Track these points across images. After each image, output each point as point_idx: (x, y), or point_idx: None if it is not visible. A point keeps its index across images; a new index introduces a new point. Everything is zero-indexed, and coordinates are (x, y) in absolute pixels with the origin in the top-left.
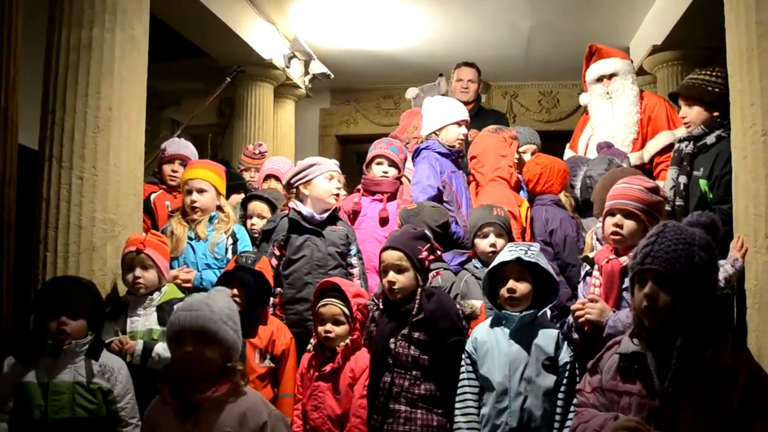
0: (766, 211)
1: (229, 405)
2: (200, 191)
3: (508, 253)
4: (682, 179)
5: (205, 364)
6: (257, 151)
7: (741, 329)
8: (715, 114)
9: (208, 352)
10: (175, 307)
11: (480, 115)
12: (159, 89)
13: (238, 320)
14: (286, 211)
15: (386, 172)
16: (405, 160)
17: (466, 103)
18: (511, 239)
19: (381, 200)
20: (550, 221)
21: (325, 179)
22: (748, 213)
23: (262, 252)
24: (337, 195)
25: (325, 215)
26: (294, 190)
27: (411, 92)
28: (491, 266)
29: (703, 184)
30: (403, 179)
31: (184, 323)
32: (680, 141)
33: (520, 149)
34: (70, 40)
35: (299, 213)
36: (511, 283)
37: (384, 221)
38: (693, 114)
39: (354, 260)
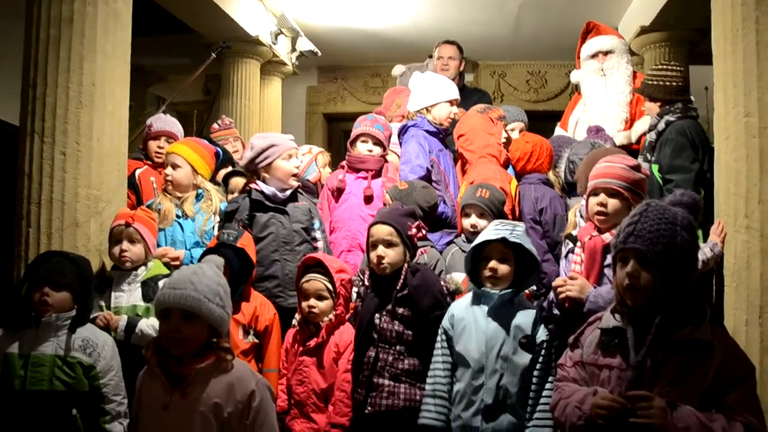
0: (747, 191)
1: (216, 376)
2: (174, 166)
3: (493, 231)
4: (645, 166)
5: (190, 340)
6: (227, 122)
7: (719, 307)
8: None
9: (193, 330)
10: (161, 282)
11: (463, 94)
12: (145, 65)
13: (225, 294)
14: (247, 191)
15: (371, 151)
16: (390, 137)
17: None
18: (499, 217)
19: (365, 178)
20: (540, 200)
21: (284, 160)
22: (729, 193)
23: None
24: (297, 175)
25: (288, 193)
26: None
27: (398, 69)
28: (474, 244)
29: (654, 168)
30: (388, 156)
31: (168, 301)
32: (648, 132)
33: (508, 127)
34: (51, 14)
35: (261, 193)
36: (493, 263)
37: (369, 199)
38: (652, 107)
39: (318, 234)
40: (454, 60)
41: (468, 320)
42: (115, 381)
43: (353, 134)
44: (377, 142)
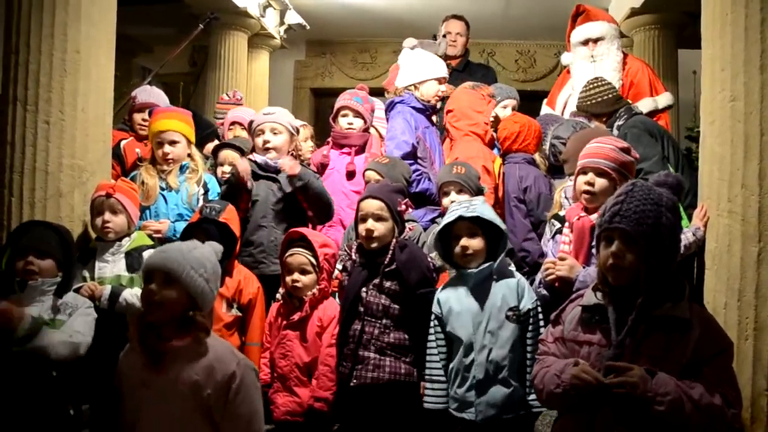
0: (730, 175)
1: (196, 356)
2: (172, 143)
3: (450, 214)
4: None
5: (167, 306)
6: (238, 96)
7: (699, 290)
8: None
9: (171, 294)
10: (145, 253)
11: (468, 70)
12: (130, 35)
13: (213, 272)
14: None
15: (351, 123)
16: (372, 110)
17: (454, 57)
18: (477, 192)
19: (349, 153)
20: (524, 179)
21: (256, 137)
22: (713, 177)
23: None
24: (266, 149)
25: (279, 162)
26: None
27: (409, 42)
28: (438, 229)
29: None
30: (372, 131)
31: (152, 263)
32: None
33: (501, 104)
34: None
35: (255, 162)
36: (464, 241)
37: (351, 175)
38: (599, 125)
39: None
40: (461, 36)
41: (453, 301)
42: (76, 320)
43: (335, 109)
44: (357, 115)
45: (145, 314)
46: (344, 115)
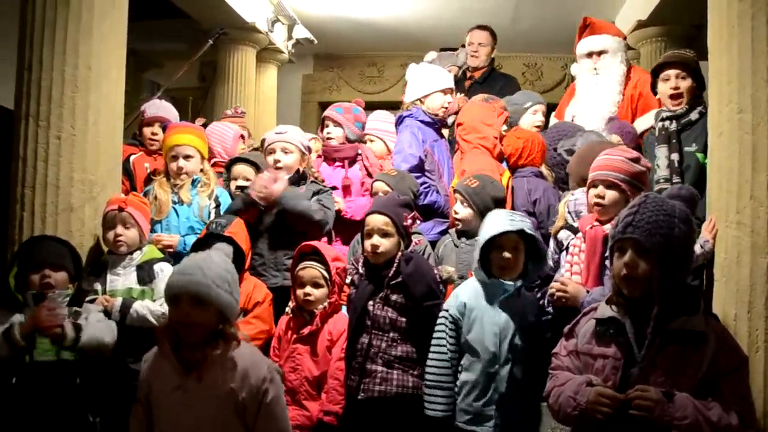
0: (738, 187)
1: (229, 362)
2: (186, 157)
3: (509, 222)
4: (675, 156)
5: (200, 326)
6: (239, 111)
7: (708, 302)
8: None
9: (203, 315)
10: (156, 266)
11: (488, 80)
12: (140, 50)
13: (234, 281)
14: None
15: (330, 133)
16: (356, 121)
17: (476, 69)
18: (481, 209)
19: (342, 166)
20: (533, 191)
21: (268, 156)
22: (721, 189)
23: None
24: (277, 168)
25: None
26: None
27: (430, 56)
28: (491, 234)
29: (701, 157)
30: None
31: (178, 287)
32: (663, 119)
33: (531, 110)
34: None
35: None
36: (508, 254)
37: (347, 189)
38: (687, 85)
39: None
40: (484, 46)
41: (479, 310)
42: (97, 317)
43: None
44: (337, 125)
45: (181, 336)
46: (326, 126)
